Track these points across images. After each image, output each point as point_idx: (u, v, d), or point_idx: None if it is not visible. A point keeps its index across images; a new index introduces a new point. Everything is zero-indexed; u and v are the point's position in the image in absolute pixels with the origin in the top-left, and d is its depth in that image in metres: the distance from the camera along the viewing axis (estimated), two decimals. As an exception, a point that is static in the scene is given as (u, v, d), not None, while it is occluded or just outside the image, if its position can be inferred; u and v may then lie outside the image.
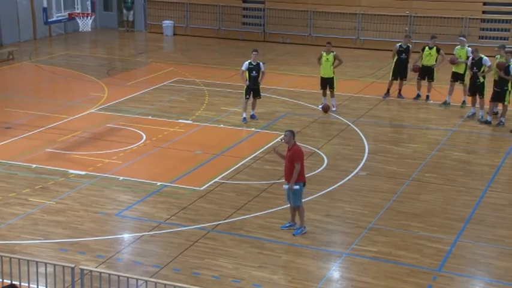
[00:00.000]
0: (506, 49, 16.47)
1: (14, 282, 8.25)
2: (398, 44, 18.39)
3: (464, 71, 17.51)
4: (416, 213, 11.57)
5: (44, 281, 8.63)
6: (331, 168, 13.52)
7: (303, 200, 10.84)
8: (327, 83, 17.35)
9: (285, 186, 10.71)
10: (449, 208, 11.80)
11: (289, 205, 11.01)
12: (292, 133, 10.69)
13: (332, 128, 16.23)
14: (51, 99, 18.59)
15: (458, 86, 17.79)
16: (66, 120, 16.45)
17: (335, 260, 10.07)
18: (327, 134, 15.76)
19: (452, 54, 17.84)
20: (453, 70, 17.69)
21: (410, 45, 18.43)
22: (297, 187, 10.58)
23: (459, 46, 17.67)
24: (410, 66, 18.25)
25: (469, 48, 17.45)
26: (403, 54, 18.19)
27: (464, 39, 17.82)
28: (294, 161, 10.50)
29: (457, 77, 17.67)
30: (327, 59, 17.24)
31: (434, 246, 10.41)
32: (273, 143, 14.72)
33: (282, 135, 11.16)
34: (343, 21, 25.65)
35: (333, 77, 17.30)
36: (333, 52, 17.26)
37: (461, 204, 11.93)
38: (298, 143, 10.75)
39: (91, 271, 8.51)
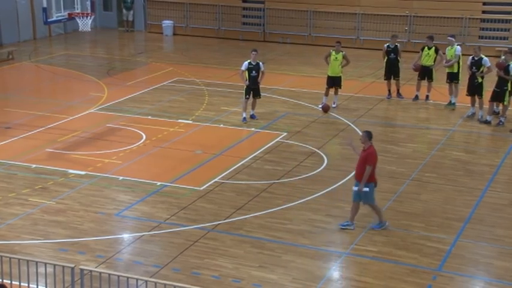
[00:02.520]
0: (508, 49, 16.46)
1: (4, 282, 8.24)
2: (386, 45, 18.49)
3: (458, 70, 17.50)
4: (416, 213, 11.57)
5: (44, 281, 8.63)
6: (331, 168, 13.52)
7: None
8: (334, 82, 17.41)
9: (355, 188, 10.71)
10: (449, 208, 11.80)
11: (352, 203, 10.94)
12: (368, 134, 10.70)
13: (332, 127, 16.23)
14: (51, 99, 18.59)
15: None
16: (66, 120, 16.45)
17: (335, 260, 10.07)
18: (327, 133, 15.76)
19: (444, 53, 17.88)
20: (447, 71, 17.70)
21: (398, 45, 18.49)
22: (366, 189, 10.62)
23: (449, 46, 17.67)
24: (411, 66, 18.26)
25: (458, 47, 17.50)
26: (392, 54, 18.28)
27: (453, 38, 17.82)
28: (366, 163, 10.51)
29: (451, 78, 17.67)
30: (336, 58, 17.33)
31: (434, 246, 10.41)
32: (275, 141, 14.71)
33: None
34: (343, 21, 25.65)
35: (340, 76, 17.45)
36: (342, 52, 17.38)
37: (461, 204, 11.93)
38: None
39: (91, 271, 8.51)
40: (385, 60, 18.44)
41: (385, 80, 18.58)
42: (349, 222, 10.93)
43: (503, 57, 16.40)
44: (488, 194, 12.40)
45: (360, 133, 15.56)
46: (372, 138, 10.79)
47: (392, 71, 18.39)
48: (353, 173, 13.20)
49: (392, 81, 18.51)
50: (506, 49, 17.11)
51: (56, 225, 10.98)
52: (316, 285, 9.32)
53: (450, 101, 17.84)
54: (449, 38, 17.91)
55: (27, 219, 11.17)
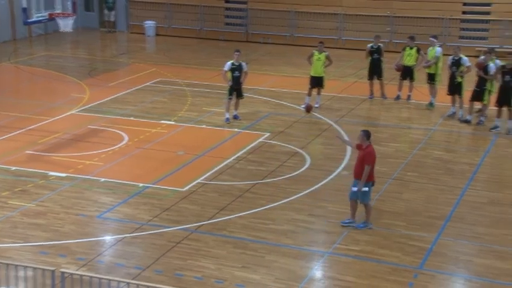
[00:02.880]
0: (487, 49, 16.61)
1: None
2: (369, 45, 18.57)
3: (436, 72, 17.62)
4: (398, 212, 11.64)
5: (24, 285, 8.55)
6: (314, 168, 13.55)
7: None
8: (317, 82, 17.47)
9: (354, 189, 10.73)
10: (430, 206, 11.89)
11: (350, 202, 10.99)
12: (366, 133, 10.71)
13: (314, 127, 16.27)
14: (31, 101, 18.42)
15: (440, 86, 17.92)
16: (47, 122, 16.31)
17: (318, 259, 10.09)
18: (309, 133, 15.79)
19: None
20: (426, 71, 17.83)
21: (381, 45, 18.59)
22: (366, 189, 10.65)
23: (431, 47, 17.78)
24: (393, 66, 18.36)
25: (439, 49, 17.62)
26: (375, 54, 18.37)
27: (435, 39, 17.94)
28: (365, 162, 10.53)
29: (429, 78, 17.80)
30: (319, 58, 17.38)
31: (415, 245, 10.48)
32: (258, 142, 14.73)
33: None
34: (324, 21, 25.74)
35: (323, 76, 17.52)
36: (325, 52, 17.44)
37: (442, 203, 12.02)
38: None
39: (72, 274, 8.44)
40: (369, 60, 18.50)
41: (368, 80, 18.64)
42: (351, 220, 10.97)
43: (482, 57, 16.56)
44: (469, 193, 12.51)
45: (343, 133, 15.68)
46: (370, 137, 10.81)
47: (375, 71, 18.46)
48: (336, 172, 13.30)
49: (376, 82, 18.59)
50: (486, 49, 17.27)
51: (36, 228, 10.88)
52: (299, 285, 9.34)
53: (430, 102, 17.97)
54: (431, 38, 18.03)
55: (6, 222, 11.05)
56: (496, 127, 15.93)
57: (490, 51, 16.31)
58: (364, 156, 10.66)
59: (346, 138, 11.26)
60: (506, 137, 15.61)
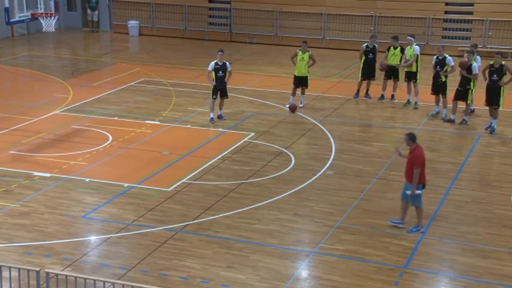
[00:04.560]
0: (469, 49, 16.74)
1: None
2: (364, 45, 18.57)
3: (417, 70, 17.74)
4: (383, 211, 11.70)
5: (9, 286, 8.48)
6: (298, 168, 13.59)
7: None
8: (301, 82, 17.50)
9: (408, 192, 10.69)
10: (414, 206, 11.96)
11: (401, 203, 10.96)
12: (411, 136, 10.69)
13: (299, 127, 16.31)
14: (14, 101, 18.26)
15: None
16: (30, 122, 16.19)
17: (303, 259, 10.12)
18: (294, 133, 15.83)
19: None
20: (406, 70, 17.92)
21: (376, 45, 18.65)
22: (419, 192, 10.62)
23: (408, 46, 17.88)
24: (377, 65, 18.44)
25: (417, 47, 17.72)
26: (370, 54, 18.39)
27: (412, 38, 18.02)
28: (413, 165, 10.51)
29: (410, 77, 17.89)
30: (302, 58, 17.41)
31: (400, 244, 10.55)
32: (243, 141, 14.72)
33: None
34: (309, 21, 25.80)
35: (307, 76, 17.54)
36: (308, 52, 17.46)
37: (426, 202, 12.05)
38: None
39: (57, 274, 8.40)
40: (363, 60, 18.42)
41: (361, 80, 18.52)
42: (400, 221, 10.95)
43: (465, 54, 16.71)
44: (453, 192, 12.61)
45: (327, 132, 15.74)
46: (416, 139, 10.79)
47: (369, 71, 18.40)
48: (320, 172, 13.35)
49: (365, 82, 18.58)
50: (469, 48, 17.43)
51: (20, 229, 10.79)
52: (284, 285, 9.36)
53: (408, 100, 18.08)
54: (408, 37, 18.10)
55: (-10, 223, 10.96)
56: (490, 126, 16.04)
57: (473, 50, 16.44)
58: (412, 159, 10.60)
59: (402, 151, 11.32)
60: (490, 136, 15.76)
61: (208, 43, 26.16)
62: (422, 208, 10.91)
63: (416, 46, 17.79)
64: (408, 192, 10.74)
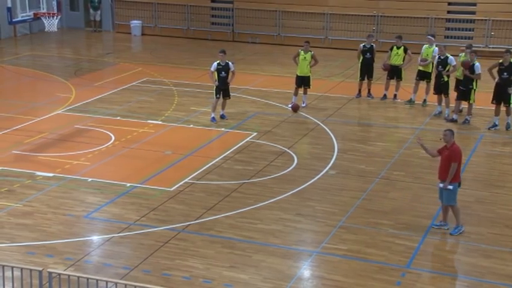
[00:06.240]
0: (471, 49, 16.70)
1: None
2: (362, 44, 18.59)
3: (431, 70, 17.74)
4: (385, 211, 11.70)
5: (11, 285, 8.49)
6: (301, 168, 13.58)
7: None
8: (303, 82, 17.50)
9: (440, 185, 10.71)
10: (417, 205, 11.96)
11: (440, 204, 10.97)
12: (452, 132, 10.75)
13: (301, 127, 16.30)
14: (16, 101, 18.29)
15: (422, 84, 17.99)
16: (33, 122, 16.20)
17: (305, 259, 10.12)
18: (296, 133, 15.82)
19: (418, 53, 18.08)
20: (420, 69, 17.89)
21: (374, 45, 18.65)
22: (450, 187, 10.62)
23: (427, 45, 17.85)
24: (381, 65, 18.42)
25: (436, 48, 17.62)
26: (368, 54, 18.39)
27: (433, 38, 18.00)
28: (451, 160, 10.53)
29: (423, 76, 17.88)
30: (305, 57, 17.41)
31: (402, 244, 10.53)
32: (246, 141, 14.72)
33: (442, 135, 11.00)
34: (311, 21, 25.79)
35: (309, 76, 17.55)
36: (311, 51, 17.47)
37: (428, 202, 12.09)
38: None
39: (59, 274, 8.40)
40: (361, 60, 18.45)
41: (360, 80, 18.57)
42: (443, 223, 10.94)
43: (462, 54, 16.68)
44: (455, 191, 12.58)
45: (329, 132, 15.73)
46: (454, 135, 10.83)
47: (367, 71, 18.41)
48: (323, 171, 13.34)
49: (365, 81, 18.60)
50: (464, 47, 17.39)
51: (23, 228, 10.80)
52: (287, 285, 9.36)
53: (411, 99, 18.05)
54: (428, 36, 18.05)
55: (-7, 223, 10.98)
56: (494, 126, 16.02)
57: (470, 49, 16.41)
58: (450, 155, 10.61)
59: (426, 146, 11.35)
60: (493, 136, 15.74)
61: (211, 43, 26.16)
62: (457, 207, 10.86)
63: (436, 47, 17.54)
64: (441, 185, 10.70)
